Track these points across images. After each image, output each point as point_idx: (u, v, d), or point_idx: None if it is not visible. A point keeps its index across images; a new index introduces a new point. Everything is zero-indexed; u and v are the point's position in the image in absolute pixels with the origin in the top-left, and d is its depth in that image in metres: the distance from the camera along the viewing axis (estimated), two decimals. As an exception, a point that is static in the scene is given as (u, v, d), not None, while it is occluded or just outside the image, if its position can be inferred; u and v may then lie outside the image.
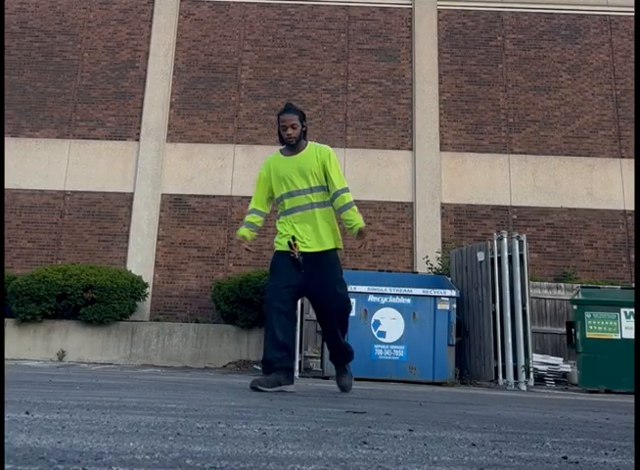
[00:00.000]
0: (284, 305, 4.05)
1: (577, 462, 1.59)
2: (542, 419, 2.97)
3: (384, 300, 7.93)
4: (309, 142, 4.39)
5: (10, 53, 13.14)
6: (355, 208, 4.29)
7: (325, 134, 12.79)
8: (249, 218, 4.51)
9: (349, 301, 4.41)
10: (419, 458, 1.52)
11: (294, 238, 4.16)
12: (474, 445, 1.82)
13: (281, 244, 4.25)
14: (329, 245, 4.21)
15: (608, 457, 1.71)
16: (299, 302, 8.26)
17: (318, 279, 4.15)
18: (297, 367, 8.01)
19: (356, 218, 4.23)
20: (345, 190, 4.27)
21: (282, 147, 4.44)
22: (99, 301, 10.19)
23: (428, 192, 12.45)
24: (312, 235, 4.19)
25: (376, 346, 7.83)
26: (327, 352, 4.42)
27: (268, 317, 4.07)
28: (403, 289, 7.98)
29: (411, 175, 12.58)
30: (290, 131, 4.25)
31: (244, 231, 4.46)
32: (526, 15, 13.57)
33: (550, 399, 5.51)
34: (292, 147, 4.31)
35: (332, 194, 4.26)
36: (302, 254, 4.14)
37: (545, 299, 10.34)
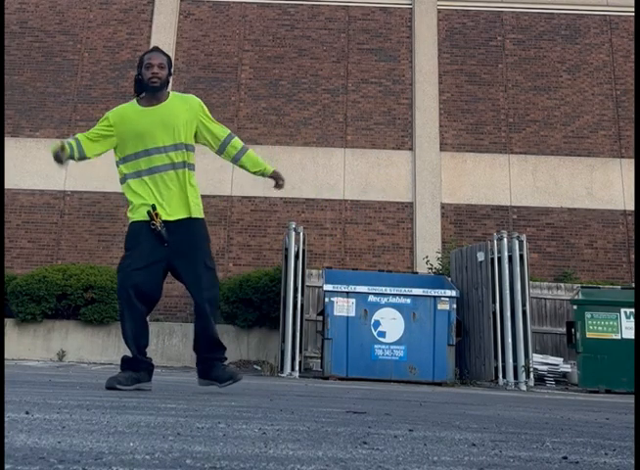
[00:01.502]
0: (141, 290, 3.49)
1: (577, 462, 1.59)
2: (542, 419, 2.97)
3: (384, 300, 7.93)
4: (171, 92, 3.81)
5: (10, 53, 13.14)
6: (251, 150, 3.85)
7: (325, 134, 12.79)
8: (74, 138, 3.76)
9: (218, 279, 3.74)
10: (419, 458, 1.52)
11: (154, 207, 3.52)
12: (474, 445, 1.82)
13: (139, 213, 3.60)
14: (197, 213, 3.62)
15: (608, 457, 1.71)
16: (299, 301, 8.29)
17: (186, 251, 3.53)
18: (297, 367, 8.02)
19: (261, 160, 3.83)
20: (233, 136, 3.79)
21: (136, 97, 3.80)
22: (99, 301, 10.19)
23: (428, 192, 12.45)
24: (177, 201, 3.58)
25: (376, 346, 7.83)
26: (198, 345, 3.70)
27: (124, 305, 3.57)
28: (403, 289, 7.98)
29: (411, 175, 12.58)
30: (156, 70, 3.61)
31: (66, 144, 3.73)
32: (526, 15, 13.57)
33: (550, 400, 5.51)
34: (153, 94, 3.66)
35: (219, 145, 3.75)
36: (165, 223, 3.51)
37: (545, 299, 10.35)
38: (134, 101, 3.79)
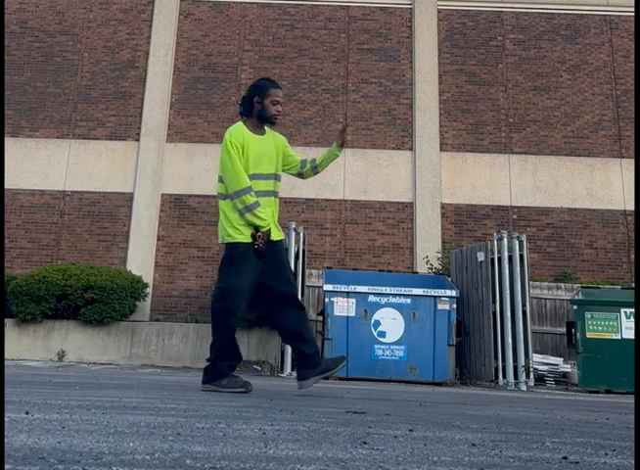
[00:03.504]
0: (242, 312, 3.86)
1: (577, 462, 1.59)
2: (542, 419, 2.97)
3: (384, 300, 7.93)
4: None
5: (10, 53, 13.14)
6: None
7: (325, 134, 12.79)
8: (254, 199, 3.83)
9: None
10: (419, 458, 1.52)
11: (256, 229, 3.75)
12: (474, 445, 1.82)
13: (244, 234, 3.78)
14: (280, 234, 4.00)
15: (608, 457, 1.71)
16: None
17: (279, 268, 3.90)
18: (297, 367, 8.02)
19: (327, 150, 4.10)
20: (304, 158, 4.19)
21: (244, 120, 4.00)
22: (99, 301, 10.19)
23: (428, 192, 12.45)
24: (273, 222, 3.93)
25: (376, 346, 7.83)
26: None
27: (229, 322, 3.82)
28: (403, 289, 7.98)
29: (411, 175, 12.58)
30: (280, 108, 3.93)
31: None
32: (526, 15, 13.57)
33: (550, 400, 5.51)
34: (262, 124, 3.96)
35: (300, 164, 4.10)
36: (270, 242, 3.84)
37: (545, 299, 10.34)
38: (242, 123, 3.99)
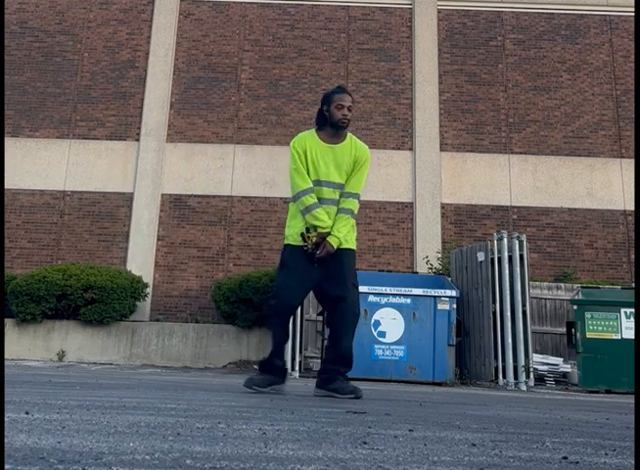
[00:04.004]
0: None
1: (577, 462, 1.59)
2: (542, 419, 2.97)
3: (384, 300, 7.93)
4: (349, 133, 4.07)
5: (10, 53, 13.15)
6: (348, 218, 3.93)
7: (325, 134, 12.78)
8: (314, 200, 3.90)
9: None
10: (419, 458, 1.52)
11: (307, 229, 3.84)
12: (474, 445, 1.82)
13: (296, 237, 3.92)
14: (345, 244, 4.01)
15: (608, 457, 1.71)
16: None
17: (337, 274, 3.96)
18: (297, 367, 8.03)
19: (341, 227, 3.89)
20: (355, 195, 3.95)
21: (316, 128, 4.06)
22: (99, 301, 10.19)
23: (428, 192, 12.45)
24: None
25: (376, 346, 7.83)
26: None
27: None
28: (403, 289, 7.98)
29: (411, 175, 12.59)
30: (346, 112, 3.91)
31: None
32: (526, 15, 13.57)
33: (550, 400, 5.51)
34: (336, 131, 3.96)
35: (344, 192, 3.97)
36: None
37: (545, 299, 10.34)
38: (314, 131, 4.06)
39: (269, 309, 3.99)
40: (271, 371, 3.90)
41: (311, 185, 3.88)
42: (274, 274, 10.20)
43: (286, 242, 3.99)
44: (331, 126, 3.96)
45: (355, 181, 3.95)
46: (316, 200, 3.86)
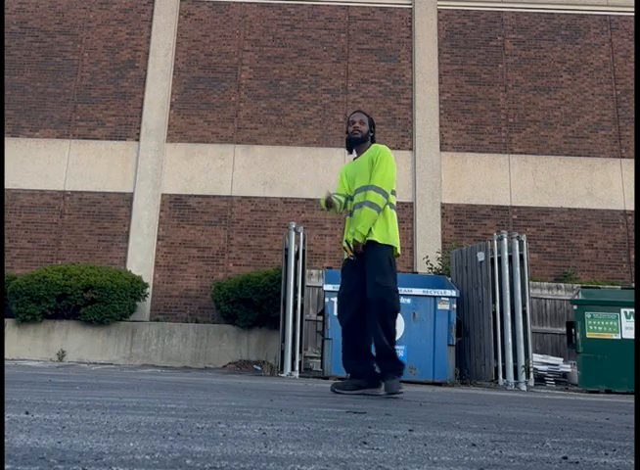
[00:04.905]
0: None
1: (577, 462, 1.59)
2: (542, 419, 2.97)
3: (384, 300, 7.91)
4: (374, 144, 4.43)
5: (10, 53, 13.15)
6: (363, 209, 4.16)
7: (325, 134, 12.79)
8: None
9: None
10: (419, 458, 1.52)
11: (347, 241, 4.26)
12: (474, 445, 1.82)
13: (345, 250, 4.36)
14: (372, 237, 4.21)
15: (608, 457, 1.71)
16: (299, 301, 8.29)
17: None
18: (297, 367, 8.02)
19: (365, 223, 4.14)
20: (374, 188, 4.18)
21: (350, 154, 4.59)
22: (99, 301, 10.19)
23: (428, 192, 12.45)
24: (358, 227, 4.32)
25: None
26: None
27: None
28: (403, 289, 7.95)
29: (411, 175, 12.58)
30: (357, 124, 4.36)
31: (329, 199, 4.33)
32: (526, 15, 13.57)
33: (550, 400, 5.51)
34: (358, 146, 4.39)
35: (364, 187, 4.31)
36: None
37: (545, 299, 10.34)
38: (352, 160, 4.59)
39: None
40: (354, 375, 4.18)
41: (343, 200, 4.41)
42: (274, 274, 10.25)
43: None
44: (349, 142, 4.45)
45: (374, 175, 4.21)
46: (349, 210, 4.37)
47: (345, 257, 4.35)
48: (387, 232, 4.18)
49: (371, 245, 4.13)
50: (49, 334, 10.28)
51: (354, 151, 4.47)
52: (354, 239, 4.14)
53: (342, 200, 4.42)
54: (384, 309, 4.03)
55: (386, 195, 4.19)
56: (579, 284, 10.11)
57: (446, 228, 12.33)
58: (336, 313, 4.38)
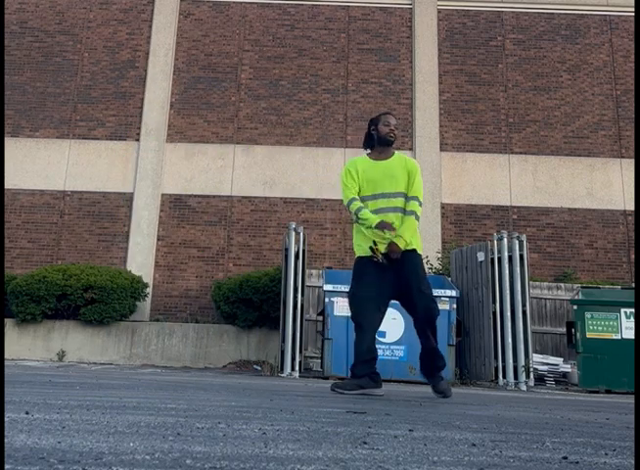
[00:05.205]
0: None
1: (577, 462, 1.59)
2: (542, 419, 2.97)
3: (384, 300, 7.91)
4: (395, 151, 4.52)
5: (10, 53, 13.15)
6: (412, 219, 4.26)
7: (325, 134, 12.79)
8: (364, 208, 4.33)
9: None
10: (419, 458, 1.52)
11: (375, 243, 4.22)
12: (474, 445, 1.82)
13: (363, 249, 4.30)
14: (409, 246, 4.30)
15: (608, 457, 1.71)
16: (299, 301, 8.30)
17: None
18: (297, 367, 8.02)
19: (402, 227, 4.22)
20: (416, 199, 4.32)
21: (367, 153, 4.53)
22: (99, 301, 10.19)
23: (428, 192, 12.44)
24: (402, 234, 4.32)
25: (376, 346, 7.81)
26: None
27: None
28: (403, 289, 7.96)
29: (411, 175, 12.57)
30: (393, 128, 4.41)
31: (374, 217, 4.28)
32: (526, 15, 13.57)
33: (550, 400, 5.51)
34: (383, 148, 4.41)
35: (408, 196, 4.35)
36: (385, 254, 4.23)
37: (545, 299, 10.34)
38: (365, 155, 4.54)
39: (351, 318, 4.36)
40: (355, 376, 4.20)
41: (355, 195, 4.35)
42: (274, 274, 10.26)
43: (356, 254, 4.39)
44: (379, 142, 4.43)
45: (415, 187, 4.33)
46: (361, 204, 4.29)
47: (360, 255, 4.31)
48: (420, 242, 4.42)
49: (411, 253, 4.27)
50: (49, 334, 10.28)
51: (373, 150, 4.47)
52: (396, 244, 4.18)
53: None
54: (430, 315, 4.25)
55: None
56: (579, 284, 10.11)
57: (446, 228, 12.33)
58: (349, 314, 4.37)
